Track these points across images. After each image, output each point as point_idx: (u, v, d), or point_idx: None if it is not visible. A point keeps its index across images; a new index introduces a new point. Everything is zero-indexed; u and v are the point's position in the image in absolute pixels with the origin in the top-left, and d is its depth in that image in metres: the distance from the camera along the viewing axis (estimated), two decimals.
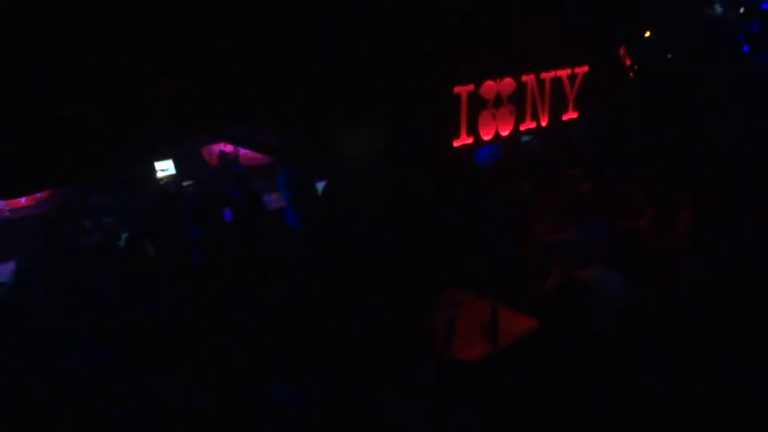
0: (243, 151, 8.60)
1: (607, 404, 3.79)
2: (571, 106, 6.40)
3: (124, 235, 5.91)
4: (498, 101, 5.55)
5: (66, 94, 3.64)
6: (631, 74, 7.61)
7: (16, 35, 3.39)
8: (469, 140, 5.40)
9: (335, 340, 4.02)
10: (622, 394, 3.83)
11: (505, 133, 5.69)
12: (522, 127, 5.89)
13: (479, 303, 4.50)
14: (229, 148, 8.48)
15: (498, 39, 5.48)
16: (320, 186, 6.56)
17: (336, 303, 4.36)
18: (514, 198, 5.91)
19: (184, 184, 7.81)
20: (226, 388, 3.68)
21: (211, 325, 4.33)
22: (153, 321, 4.36)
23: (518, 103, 5.76)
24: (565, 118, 6.39)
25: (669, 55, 9.49)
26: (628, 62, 7.61)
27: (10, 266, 5.28)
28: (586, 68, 6.44)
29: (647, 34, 9.34)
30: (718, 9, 10.27)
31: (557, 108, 6.22)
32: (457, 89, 5.18)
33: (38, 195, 6.70)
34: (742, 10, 10.44)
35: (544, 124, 6.08)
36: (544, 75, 5.99)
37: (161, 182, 7.72)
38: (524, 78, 5.77)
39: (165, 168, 7.88)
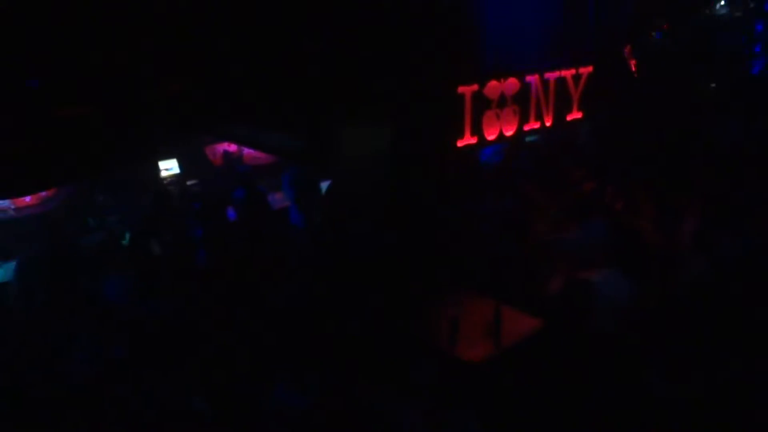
0: (247, 151, 8.61)
1: (606, 404, 3.77)
2: (575, 107, 6.38)
3: (128, 234, 5.93)
4: (502, 101, 5.52)
5: (66, 94, 3.65)
6: (636, 74, 7.58)
7: (16, 35, 3.40)
8: (473, 140, 5.37)
9: (336, 340, 4.02)
10: (622, 393, 3.82)
11: (509, 133, 5.66)
12: (526, 127, 5.86)
13: (481, 303, 4.48)
14: (233, 147, 8.50)
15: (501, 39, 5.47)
16: (324, 186, 6.57)
17: (337, 302, 4.36)
18: (517, 198, 5.89)
19: (188, 183, 7.85)
20: (229, 388, 3.68)
21: (215, 324, 4.33)
22: (156, 320, 4.37)
23: (522, 103, 5.73)
24: (569, 118, 6.37)
25: (673, 55, 9.43)
26: (633, 62, 7.58)
27: (13, 265, 5.30)
28: (590, 68, 6.41)
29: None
30: (723, 8, 10.19)
31: (561, 108, 6.19)
32: (461, 89, 5.16)
33: (43, 194, 6.72)
34: (744, 9, 10.34)
35: (548, 124, 6.06)
36: (548, 75, 5.96)
37: (164, 182, 7.76)
38: (528, 78, 5.76)
39: (169, 167, 7.93)
